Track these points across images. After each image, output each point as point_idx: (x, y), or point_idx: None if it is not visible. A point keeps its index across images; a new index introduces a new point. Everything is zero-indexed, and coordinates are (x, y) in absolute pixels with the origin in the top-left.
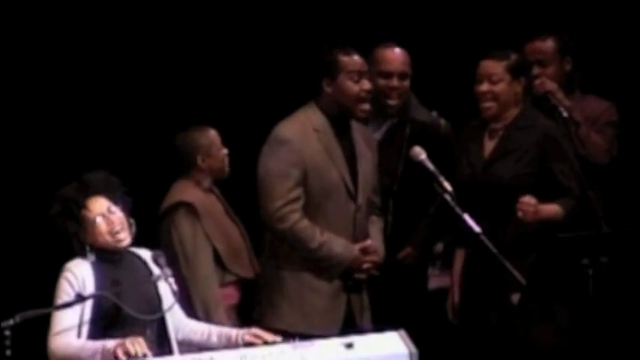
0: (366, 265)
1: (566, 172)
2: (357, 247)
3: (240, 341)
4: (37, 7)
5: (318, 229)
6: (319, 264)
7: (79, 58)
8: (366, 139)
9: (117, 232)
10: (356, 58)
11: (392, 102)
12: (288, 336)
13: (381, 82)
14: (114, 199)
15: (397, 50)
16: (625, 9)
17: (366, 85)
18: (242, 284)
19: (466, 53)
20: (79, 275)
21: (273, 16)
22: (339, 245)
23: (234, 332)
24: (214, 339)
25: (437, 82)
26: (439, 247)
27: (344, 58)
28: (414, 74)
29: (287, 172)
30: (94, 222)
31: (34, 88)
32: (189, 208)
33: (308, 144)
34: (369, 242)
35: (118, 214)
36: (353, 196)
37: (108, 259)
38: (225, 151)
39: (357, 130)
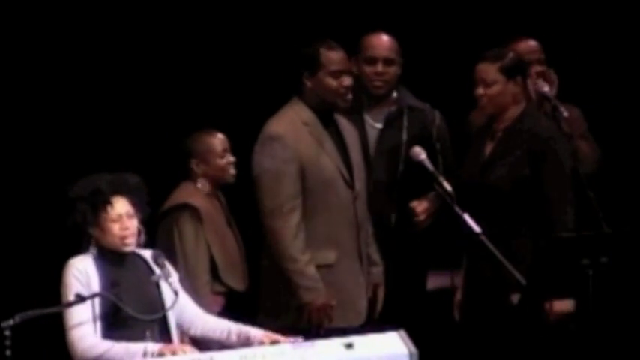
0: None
1: (556, 188)
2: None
3: (255, 342)
4: (43, 7)
5: (306, 249)
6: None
7: (84, 59)
8: (352, 132)
9: (126, 237)
10: (339, 54)
11: (377, 84)
12: (295, 332)
13: (367, 68)
14: (137, 206)
15: (383, 37)
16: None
17: (346, 81)
18: (228, 296)
19: (468, 52)
20: (83, 270)
21: (279, 21)
22: (315, 272)
23: (252, 332)
24: (234, 337)
25: (437, 81)
26: None
27: (326, 55)
28: (415, 73)
29: (283, 170)
30: (111, 221)
31: (38, 88)
32: (195, 212)
33: (300, 138)
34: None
35: (134, 221)
36: (350, 185)
37: (111, 257)
38: (229, 159)
39: (343, 122)
